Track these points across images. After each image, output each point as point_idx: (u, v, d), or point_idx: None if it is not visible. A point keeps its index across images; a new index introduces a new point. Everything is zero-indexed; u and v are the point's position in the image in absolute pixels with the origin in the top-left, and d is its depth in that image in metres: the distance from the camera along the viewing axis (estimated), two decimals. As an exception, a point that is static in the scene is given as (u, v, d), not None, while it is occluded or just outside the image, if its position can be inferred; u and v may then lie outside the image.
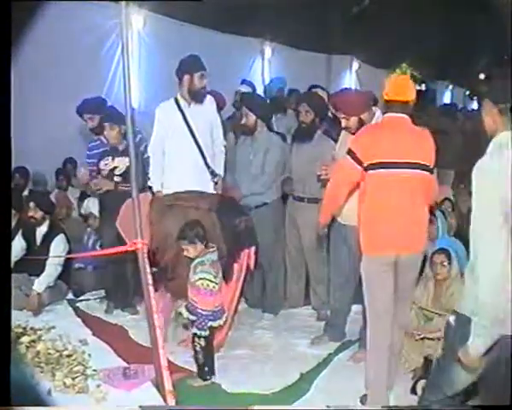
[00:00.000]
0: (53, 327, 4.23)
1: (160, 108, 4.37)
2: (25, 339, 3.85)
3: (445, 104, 11.93)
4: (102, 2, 6.32)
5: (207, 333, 3.48)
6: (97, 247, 5.36)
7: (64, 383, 3.37)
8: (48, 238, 4.95)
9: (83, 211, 5.73)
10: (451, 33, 11.06)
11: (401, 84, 3.33)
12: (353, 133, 3.79)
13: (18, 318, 4.23)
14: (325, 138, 4.54)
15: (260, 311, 4.81)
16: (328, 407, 3.29)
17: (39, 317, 4.58)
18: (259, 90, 6.78)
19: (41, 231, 4.97)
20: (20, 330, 4.01)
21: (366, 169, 3.16)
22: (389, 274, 3.18)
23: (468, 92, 17.84)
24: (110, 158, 4.70)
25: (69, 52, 6.39)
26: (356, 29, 9.60)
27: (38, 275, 4.80)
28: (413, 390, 3.43)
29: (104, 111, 4.87)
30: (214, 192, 4.25)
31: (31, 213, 4.91)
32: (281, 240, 4.86)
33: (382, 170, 3.14)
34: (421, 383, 3.36)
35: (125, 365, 3.73)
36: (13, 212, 4.86)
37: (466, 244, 2.87)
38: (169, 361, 3.14)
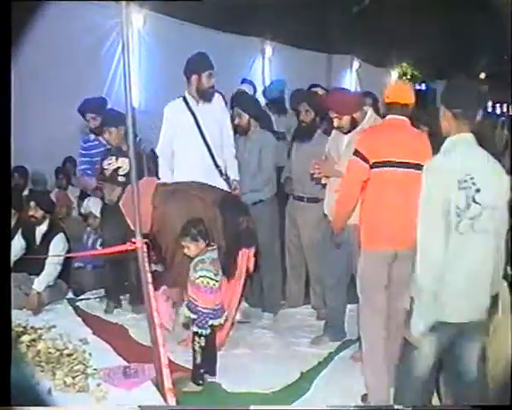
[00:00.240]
0: (53, 326, 4.23)
1: (168, 107, 4.37)
2: (25, 338, 3.85)
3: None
4: (102, 1, 6.33)
5: (208, 331, 3.48)
6: (97, 246, 5.36)
7: (64, 382, 3.37)
8: (47, 237, 4.95)
9: (83, 210, 5.73)
10: (451, 33, 11.07)
11: (401, 87, 3.51)
12: (345, 133, 3.87)
13: (18, 317, 4.23)
14: (325, 138, 4.53)
15: (260, 310, 4.81)
16: (327, 406, 3.29)
17: (39, 316, 4.58)
18: (260, 90, 6.78)
19: (41, 230, 4.97)
20: (21, 329, 4.02)
21: (371, 167, 3.27)
22: (385, 270, 3.28)
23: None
24: (114, 158, 4.68)
25: (69, 52, 6.39)
26: (356, 28, 9.61)
27: (38, 274, 4.80)
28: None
29: (106, 112, 4.86)
30: (219, 187, 4.24)
31: (31, 213, 4.91)
32: (276, 237, 4.88)
33: (385, 168, 3.25)
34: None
35: (126, 364, 3.73)
36: (12, 211, 4.86)
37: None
38: (169, 360, 3.16)
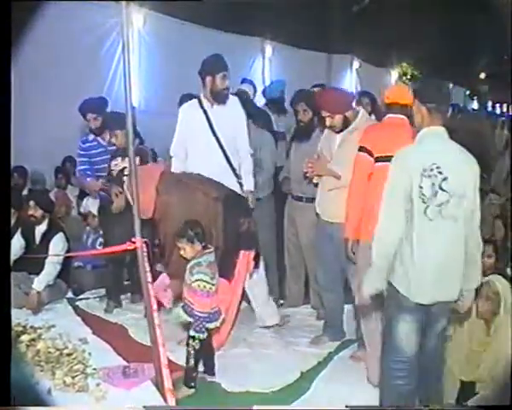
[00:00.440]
0: (53, 326, 4.22)
1: (183, 108, 4.36)
2: (25, 338, 3.84)
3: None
4: (102, 1, 6.33)
5: (205, 335, 3.45)
6: (96, 245, 5.36)
7: (64, 382, 3.36)
8: (47, 237, 4.94)
9: (82, 210, 5.74)
10: (451, 33, 11.08)
11: (401, 89, 3.74)
12: (338, 132, 3.88)
13: (18, 316, 4.22)
14: (323, 137, 4.55)
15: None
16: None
17: (39, 315, 4.57)
18: (260, 90, 6.79)
19: (40, 229, 4.96)
20: (20, 328, 4.01)
21: (375, 161, 3.39)
22: None
23: (468, 92, 17.86)
24: (120, 158, 4.67)
25: (69, 52, 6.39)
26: (356, 28, 9.62)
27: (38, 273, 4.79)
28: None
29: (109, 115, 4.84)
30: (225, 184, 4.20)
31: (31, 212, 4.91)
32: (273, 236, 4.88)
33: (387, 163, 3.25)
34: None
35: (125, 363, 3.72)
36: (12, 211, 4.86)
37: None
38: (169, 360, 3.16)
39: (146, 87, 7.23)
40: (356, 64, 11.90)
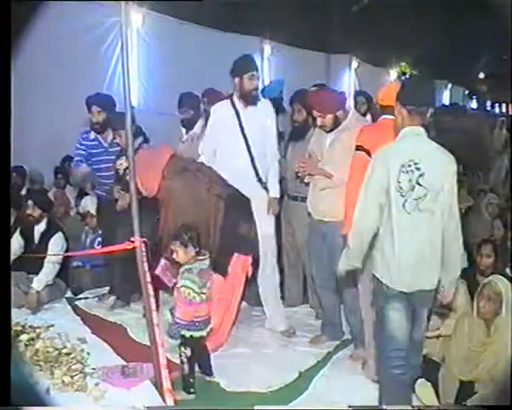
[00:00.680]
0: (52, 325, 4.23)
1: (215, 107, 4.34)
2: (23, 337, 3.85)
3: (444, 104, 11.96)
4: (102, 1, 6.33)
5: (178, 342, 3.42)
6: (95, 245, 5.36)
7: (63, 382, 3.37)
8: (46, 236, 4.94)
9: (81, 209, 5.73)
10: (451, 33, 11.09)
11: (393, 91, 3.54)
12: (328, 132, 3.89)
13: (17, 316, 4.23)
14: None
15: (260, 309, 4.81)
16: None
17: (38, 315, 4.57)
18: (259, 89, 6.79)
19: (39, 229, 4.96)
20: (19, 328, 4.01)
21: None
22: None
23: (467, 92, 17.87)
24: (124, 158, 4.67)
25: (68, 51, 6.39)
26: (355, 28, 9.62)
27: (37, 273, 4.79)
28: (412, 389, 3.43)
29: (114, 116, 4.83)
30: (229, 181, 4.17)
31: (29, 212, 4.91)
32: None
33: None
34: (420, 381, 3.37)
35: (124, 363, 3.73)
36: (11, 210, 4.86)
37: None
38: (168, 360, 3.15)
39: (145, 86, 7.22)
40: (355, 64, 11.90)
